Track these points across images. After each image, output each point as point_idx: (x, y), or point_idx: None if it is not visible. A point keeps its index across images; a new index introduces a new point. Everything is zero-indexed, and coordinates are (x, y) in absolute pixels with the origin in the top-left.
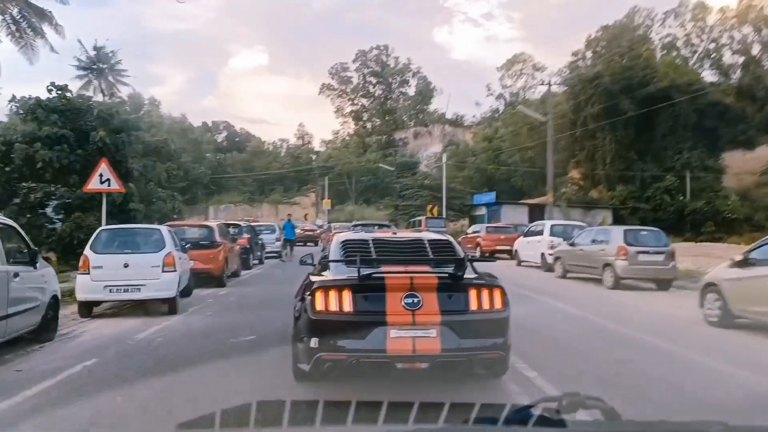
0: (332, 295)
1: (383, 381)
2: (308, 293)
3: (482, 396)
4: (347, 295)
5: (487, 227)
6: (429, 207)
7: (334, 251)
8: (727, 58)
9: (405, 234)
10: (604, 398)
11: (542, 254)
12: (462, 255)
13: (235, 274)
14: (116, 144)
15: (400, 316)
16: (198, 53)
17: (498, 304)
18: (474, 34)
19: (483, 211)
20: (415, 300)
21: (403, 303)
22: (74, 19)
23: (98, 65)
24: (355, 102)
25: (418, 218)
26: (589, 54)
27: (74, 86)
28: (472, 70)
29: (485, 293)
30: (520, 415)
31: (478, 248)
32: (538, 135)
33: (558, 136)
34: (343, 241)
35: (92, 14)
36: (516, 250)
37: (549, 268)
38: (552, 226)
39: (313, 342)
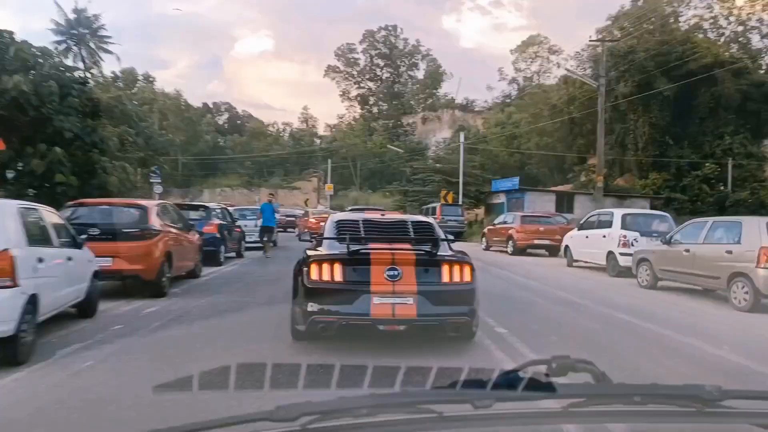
0: (325, 267)
1: (369, 345)
2: (305, 265)
3: None
4: (338, 267)
5: (522, 216)
6: (443, 193)
7: (329, 229)
8: (756, 41)
9: (391, 216)
10: None
11: (610, 253)
12: (440, 236)
13: (193, 275)
14: (40, 95)
15: (382, 286)
16: (203, 37)
17: (467, 278)
18: (482, 22)
19: (501, 199)
20: (396, 273)
21: (385, 275)
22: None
23: (78, 30)
24: (362, 85)
25: (432, 205)
26: (617, 33)
27: None
28: (480, 58)
29: (456, 268)
30: (509, 378)
31: (510, 242)
32: (561, 116)
33: (581, 114)
34: (337, 221)
35: None
36: (567, 247)
37: (620, 273)
38: (624, 216)
39: (309, 306)
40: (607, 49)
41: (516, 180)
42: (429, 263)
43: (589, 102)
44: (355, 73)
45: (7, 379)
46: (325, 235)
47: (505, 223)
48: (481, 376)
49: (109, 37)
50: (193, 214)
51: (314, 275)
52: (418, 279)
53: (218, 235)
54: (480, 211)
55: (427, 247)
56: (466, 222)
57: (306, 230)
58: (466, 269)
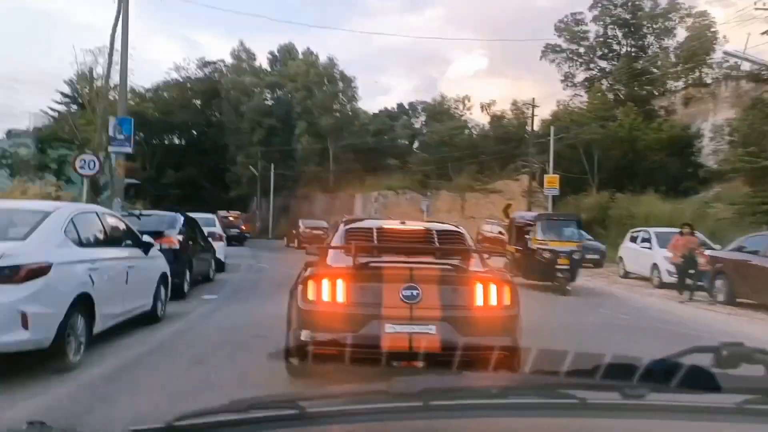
0: (325, 284)
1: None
2: (300, 282)
3: None
4: (341, 285)
5: None
6: None
7: (337, 239)
8: None
9: (413, 224)
10: None
11: None
12: (471, 247)
13: None
14: None
15: (396, 310)
16: (421, 62)
17: (506, 301)
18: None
19: None
20: (414, 293)
21: (400, 295)
22: (319, 42)
23: None
24: (591, 66)
25: None
26: None
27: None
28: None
29: (492, 288)
30: (664, 366)
31: None
32: None
33: None
34: (347, 229)
35: (332, 35)
36: None
37: None
38: None
39: (304, 335)
40: None
41: None
42: (457, 281)
43: None
44: (582, 50)
45: None
46: (331, 245)
47: None
48: (628, 363)
49: None
50: None
51: (311, 295)
52: (442, 301)
53: None
54: None
55: (455, 261)
56: None
57: None
58: (506, 290)
